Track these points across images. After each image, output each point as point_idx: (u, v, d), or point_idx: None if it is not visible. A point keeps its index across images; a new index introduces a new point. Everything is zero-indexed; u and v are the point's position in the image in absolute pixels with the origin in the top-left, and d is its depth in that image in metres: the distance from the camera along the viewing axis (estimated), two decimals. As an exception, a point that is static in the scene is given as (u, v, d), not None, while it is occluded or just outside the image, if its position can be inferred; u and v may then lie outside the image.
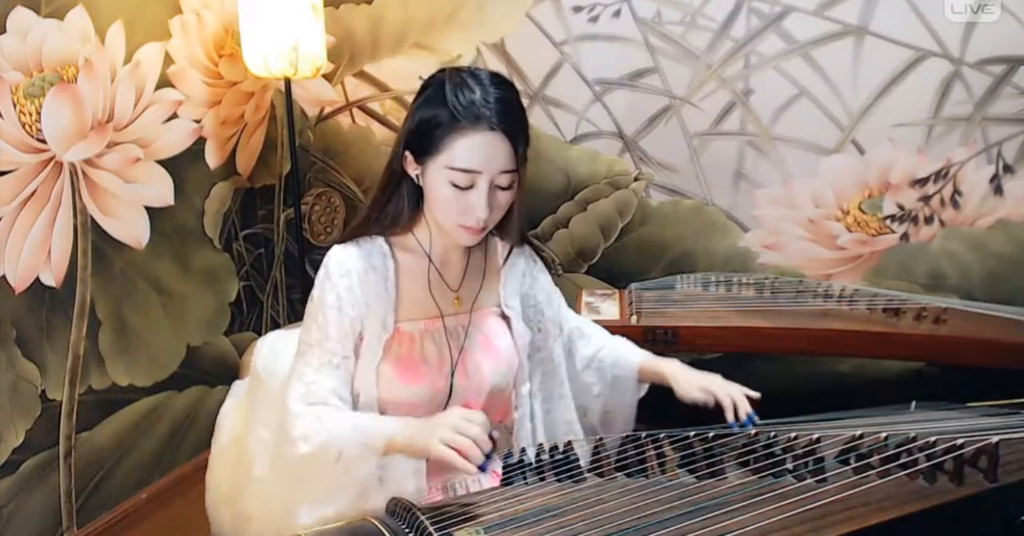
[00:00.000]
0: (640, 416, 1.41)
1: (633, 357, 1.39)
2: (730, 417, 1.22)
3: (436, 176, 1.11)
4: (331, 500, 1.15)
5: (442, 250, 1.23)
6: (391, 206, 1.19)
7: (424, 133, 1.10)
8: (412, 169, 1.15)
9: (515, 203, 1.16)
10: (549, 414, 1.34)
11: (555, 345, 1.35)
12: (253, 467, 1.33)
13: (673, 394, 1.31)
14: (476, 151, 1.07)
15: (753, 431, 1.15)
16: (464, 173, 1.08)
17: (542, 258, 1.36)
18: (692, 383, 1.27)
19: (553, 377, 1.34)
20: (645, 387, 1.40)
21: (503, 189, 1.12)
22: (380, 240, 1.20)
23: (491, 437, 1.01)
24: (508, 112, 1.09)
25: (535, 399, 1.32)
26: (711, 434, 1.14)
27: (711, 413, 1.25)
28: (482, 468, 0.99)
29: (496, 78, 1.12)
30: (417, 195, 1.19)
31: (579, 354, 1.40)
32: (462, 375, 1.21)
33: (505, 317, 1.28)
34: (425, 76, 1.16)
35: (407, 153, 1.14)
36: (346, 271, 1.16)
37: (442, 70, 1.14)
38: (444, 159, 1.09)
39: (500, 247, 1.30)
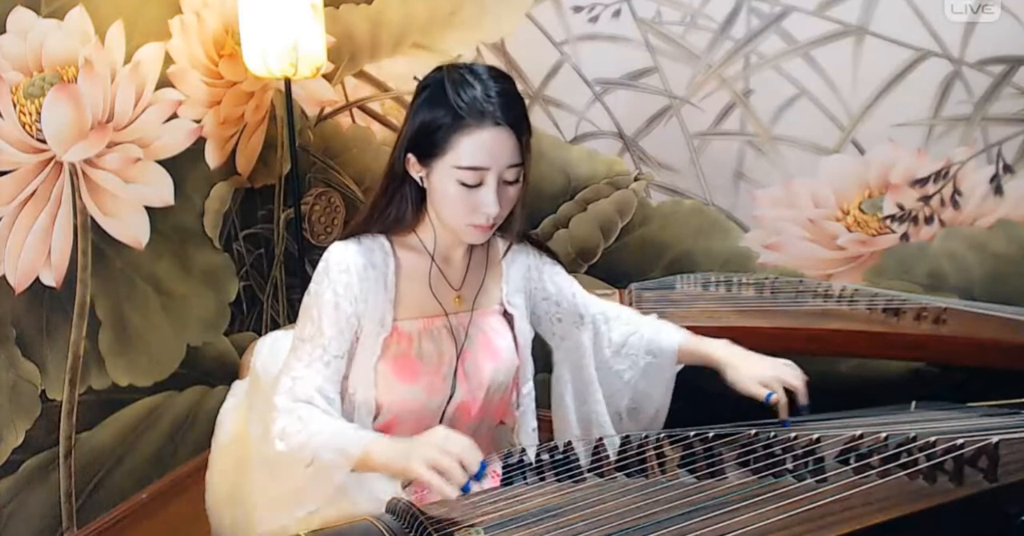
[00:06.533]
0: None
1: (669, 342, 1.32)
2: (783, 414, 1.17)
3: (443, 177, 1.10)
4: (300, 501, 1.12)
5: (445, 248, 1.22)
6: (393, 208, 1.17)
7: (427, 135, 1.09)
8: (416, 171, 1.14)
9: (519, 197, 1.15)
10: (584, 405, 1.32)
11: (580, 333, 1.33)
12: (254, 469, 1.33)
13: (675, 394, 1.31)
14: (483, 148, 1.07)
15: (753, 432, 1.15)
16: (472, 171, 1.07)
17: (550, 252, 1.34)
18: (752, 375, 1.18)
19: (582, 367, 1.32)
20: (678, 367, 1.33)
21: (510, 183, 1.11)
22: (382, 238, 1.19)
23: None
24: (510, 105, 1.08)
25: (566, 391, 1.31)
26: (711, 434, 1.14)
27: (710, 413, 1.24)
28: (464, 489, 0.94)
29: (494, 72, 1.11)
30: (419, 196, 1.18)
31: (606, 340, 1.36)
32: (461, 375, 1.20)
33: (508, 316, 1.28)
34: (422, 75, 1.15)
35: (410, 156, 1.13)
36: (345, 267, 1.15)
37: (439, 68, 1.13)
38: (450, 159, 1.08)
39: (501, 244, 1.29)
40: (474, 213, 1.10)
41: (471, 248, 1.25)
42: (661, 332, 1.35)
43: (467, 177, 1.08)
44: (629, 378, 1.35)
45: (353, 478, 1.09)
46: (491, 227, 1.13)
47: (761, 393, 1.17)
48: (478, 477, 0.95)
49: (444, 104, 1.07)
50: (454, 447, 0.96)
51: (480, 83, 1.08)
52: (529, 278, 1.31)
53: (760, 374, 1.19)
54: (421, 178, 1.14)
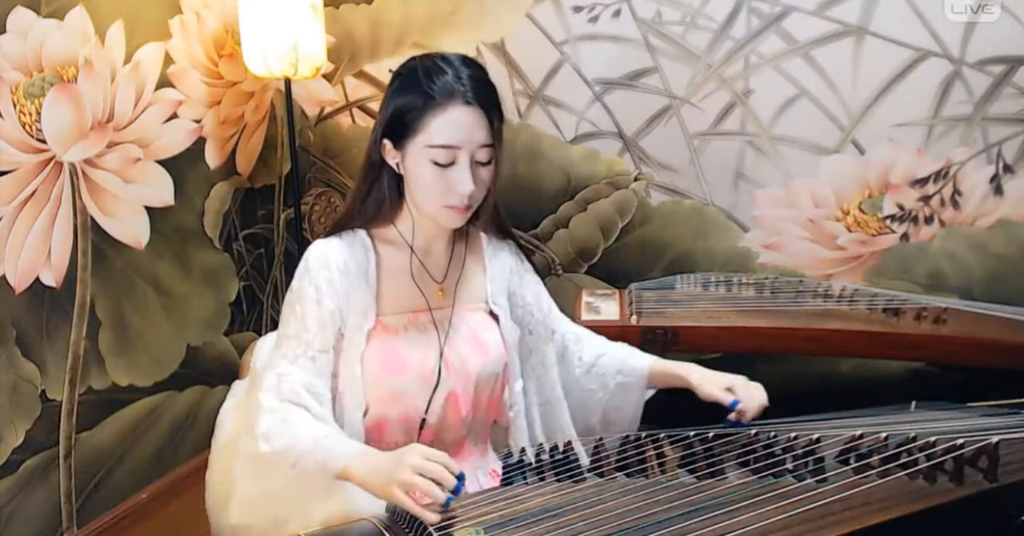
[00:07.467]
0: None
1: (641, 363, 1.35)
2: (733, 416, 1.20)
3: (417, 158, 1.11)
4: (285, 498, 1.12)
5: (425, 241, 1.22)
6: (372, 197, 1.19)
7: (400, 117, 1.11)
8: (392, 157, 1.16)
9: (491, 188, 1.16)
10: (545, 417, 1.33)
11: (547, 349, 1.34)
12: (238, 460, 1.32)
13: (673, 393, 1.30)
14: (454, 126, 1.09)
15: (753, 431, 1.15)
16: (444, 149, 1.09)
17: (531, 261, 1.35)
18: (716, 383, 1.23)
19: (546, 381, 1.33)
20: (651, 391, 1.36)
21: (483, 164, 1.13)
22: (362, 233, 1.20)
23: (458, 476, 0.96)
24: (480, 87, 1.11)
25: (532, 404, 1.31)
26: (711, 434, 1.14)
27: (711, 413, 1.24)
28: (445, 505, 0.95)
29: (467, 59, 1.14)
30: (397, 185, 1.19)
31: (576, 359, 1.37)
32: (448, 367, 1.20)
33: (493, 315, 1.28)
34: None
35: (385, 141, 1.15)
36: (325, 263, 1.16)
37: (412, 58, 1.15)
38: (423, 139, 1.10)
39: (484, 241, 1.30)
40: (449, 193, 1.11)
41: (452, 240, 1.26)
42: (632, 354, 1.38)
43: (440, 156, 1.10)
44: (600, 397, 1.36)
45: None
46: (467, 209, 1.14)
47: (726, 398, 1.21)
48: (456, 491, 0.95)
49: (416, 89, 1.10)
50: (431, 467, 0.95)
51: (452, 68, 1.11)
52: (511, 280, 1.32)
53: (721, 382, 1.23)
54: (397, 164, 1.16)
